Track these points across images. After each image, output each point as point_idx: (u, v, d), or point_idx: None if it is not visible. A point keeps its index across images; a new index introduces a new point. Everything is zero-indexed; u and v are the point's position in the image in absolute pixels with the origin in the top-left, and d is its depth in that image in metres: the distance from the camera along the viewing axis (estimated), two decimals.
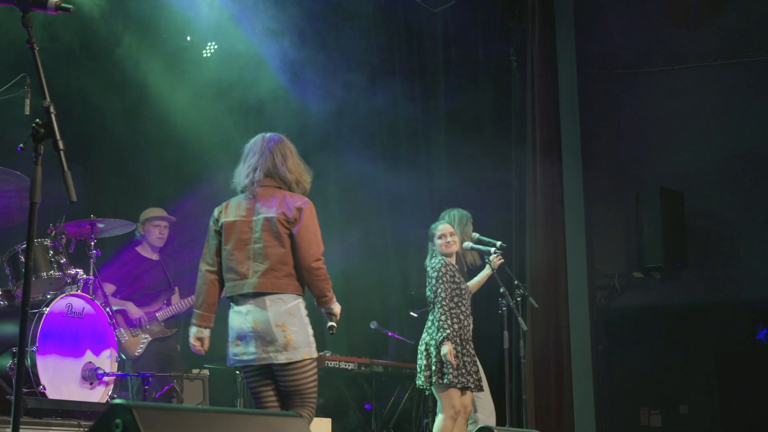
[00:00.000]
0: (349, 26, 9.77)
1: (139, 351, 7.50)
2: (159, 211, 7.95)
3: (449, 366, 6.43)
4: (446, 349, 6.43)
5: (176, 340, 7.96)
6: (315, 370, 4.95)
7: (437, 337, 6.51)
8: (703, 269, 9.67)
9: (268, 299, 4.87)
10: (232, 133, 9.56)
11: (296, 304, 4.91)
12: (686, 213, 9.60)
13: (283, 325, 4.83)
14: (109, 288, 7.63)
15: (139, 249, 7.92)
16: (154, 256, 7.92)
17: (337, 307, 5.09)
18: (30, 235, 3.03)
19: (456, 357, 6.47)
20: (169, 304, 7.73)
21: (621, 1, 10.37)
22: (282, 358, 4.81)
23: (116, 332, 7.43)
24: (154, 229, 7.87)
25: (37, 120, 3.04)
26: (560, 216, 9.40)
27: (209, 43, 9.50)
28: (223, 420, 2.43)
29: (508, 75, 10.11)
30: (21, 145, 3.11)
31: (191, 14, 9.20)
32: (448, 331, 6.47)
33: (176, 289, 7.90)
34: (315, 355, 4.95)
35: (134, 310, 7.56)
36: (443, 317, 6.54)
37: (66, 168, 3.06)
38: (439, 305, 6.58)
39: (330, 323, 5.09)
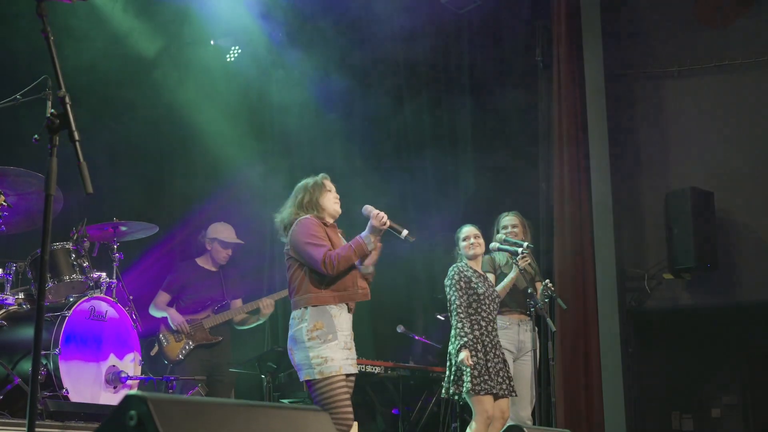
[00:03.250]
0: (372, 28, 9.71)
1: (180, 356, 7.45)
2: (230, 234, 7.88)
3: (468, 374, 6.33)
4: (462, 355, 6.35)
5: (227, 348, 7.87)
6: (324, 390, 5.15)
7: (455, 345, 6.44)
8: (734, 270, 9.51)
9: None
10: (257, 135, 9.55)
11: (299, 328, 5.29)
12: (717, 213, 9.45)
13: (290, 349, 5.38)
14: (165, 297, 7.64)
15: (199, 261, 7.89)
16: (214, 268, 7.87)
17: (370, 240, 5.26)
18: (45, 228, 2.97)
19: (478, 364, 6.37)
20: (218, 312, 7.67)
21: (648, 1, 10.24)
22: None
23: (160, 335, 7.43)
24: (222, 251, 7.83)
25: (52, 110, 2.98)
26: (588, 217, 9.29)
27: (233, 48, 9.47)
28: (243, 413, 2.35)
29: (534, 76, 10.01)
30: (36, 136, 3.05)
31: (215, 18, 9.19)
32: (466, 339, 6.40)
33: (235, 301, 7.82)
34: (318, 376, 5.15)
35: (175, 317, 7.51)
36: (460, 324, 6.48)
37: (81, 159, 2.99)
38: (455, 313, 6.53)
39: (403, 233, 5.28)
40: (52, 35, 3.07)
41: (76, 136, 2.97)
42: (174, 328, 7.49)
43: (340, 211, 5.57)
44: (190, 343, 7.53)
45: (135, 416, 2.10)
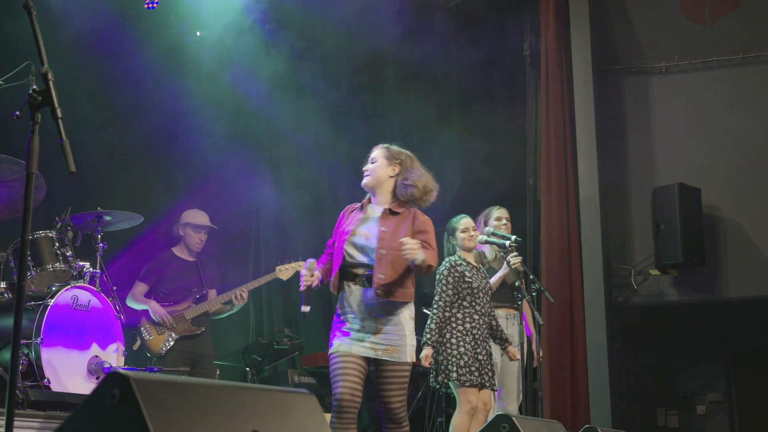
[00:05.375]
0: (359, 20, 9.65)
1: (164, 349, 7.37)
2: (201, 218, 7.79)
3: (454, 365, 6.30)
4: (423, 353, 6.29)
5: (209, 339, 7.80)
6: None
7: (425, 338, 6.40)
8: (721, 266, 9.49)
9: None
10: (242, 126, 9.49)
11: None
12: (704, 209, 9.42)
13: None
14: (142, 288, 7.55)
15: (175, 250, 7.81)
16: (190, 258, 7.79)
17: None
18: (27, 206, 2.89)
19: (466, 355, 6.33)
20: (198, 302, 7.60)
21: None
22: None
23: (141, 329, 7.33)
24: (195, 235, 7.74)
25: (34, 87, 2.91)
26: (575, 213, 9.27)
27: (218, 37, 9.41)
28: (228, 394, 2.29)
29: (522, 71, 9.98)
30: (17, 112, 2.97)
31: (201, 9, 9.14)
32: (428, 335, 6.34)
33: (212, 291, 7.75)
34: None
35: (157, 309, 7.43)
36: (429, 321, 6.43)
37: (64, 137, 2.92)
38: (433, 307, 6.49)
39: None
40: (35, 10, 3.00)
41: (59, 113, 2.90)
42: (156, 320, 7.41)
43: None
44: (173, 335, 7.45)
45: (117, 394, 2.04)
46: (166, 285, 7.63)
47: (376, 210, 5.40)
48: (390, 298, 5.16)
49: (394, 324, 5.18)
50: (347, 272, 5.24)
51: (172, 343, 7.42)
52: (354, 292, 5.21)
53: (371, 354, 5.13)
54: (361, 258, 5.23)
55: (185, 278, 7.69)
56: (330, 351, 5.19)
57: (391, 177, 5.40)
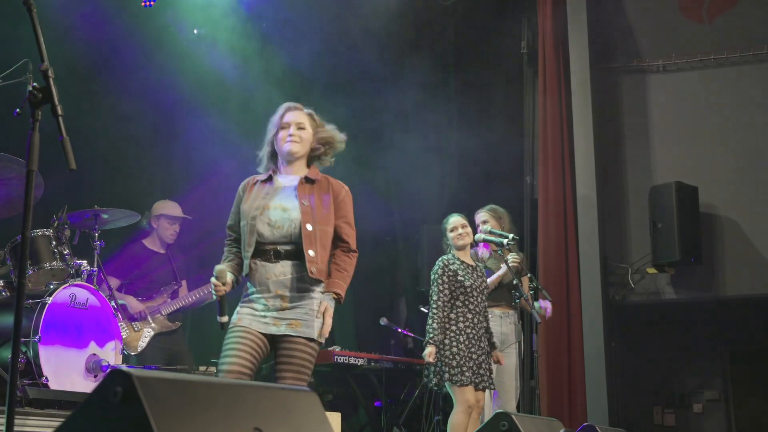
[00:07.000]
0: (358, 18, 9.65)
1: (141, 345, 7.31)
2: (175, 209, 7.72)
3: (447, 365, 6.32)
4: (426, 351, 6.40)
5: (184, 335, 7.78)
6: None
7: (428, 337, 6.45)
8: (718, 265, 9.49)
9: None
10: (237, 125, 9.48)
11: None
12: (701, 208, 9.42)
13: None
14: (114, 282, 7.45)
15: (146, 242, 7.71)
16: (162, 250, 7.74)
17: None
18: (27, 203, 2.89)
19: (458, 355, 6.34)
20: (174, 297, 7.54)
21: None
22: None
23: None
24: (169, 227, 7.67)
25: (35, 84, 2.90)
26: (572, 211, 9.27)
27: (214, 34, 9.40)
28: (229, 391, 2.29)
29: (519, 69, 9.98)
30: (17, 110, 2.96)
31: (198, 7, 9.13)
32: (431, 335, 6.42)
33: (183, 282, 7.73)
34: None
35: (135, 305, 7.36)
36: (430, 321, 6.49)
37: (65, 134, 2.90)
38: (431, 308, 6.55)
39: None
40: (35, 7, 2.99)
41: (59, 110, 2.89)
42: (134, 316, 7.34)
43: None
44: (150, 331, 7.38)
45: (120, 392, 2.03)
46: (139, 278, 7.56)
47: (288, 180, 4.95)
48: (321, 276, 4.73)
49: (304, 299, 4.70)
50: (262, 251, 4.76)
51: (148, 339, 7.36)
52: (267, 269, 4.74)
53: (273, 330, 4.65)
54: (280, 233, 4.76)
55: (157, 271, 7.61)
56: (230, 324, 4.71)
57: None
